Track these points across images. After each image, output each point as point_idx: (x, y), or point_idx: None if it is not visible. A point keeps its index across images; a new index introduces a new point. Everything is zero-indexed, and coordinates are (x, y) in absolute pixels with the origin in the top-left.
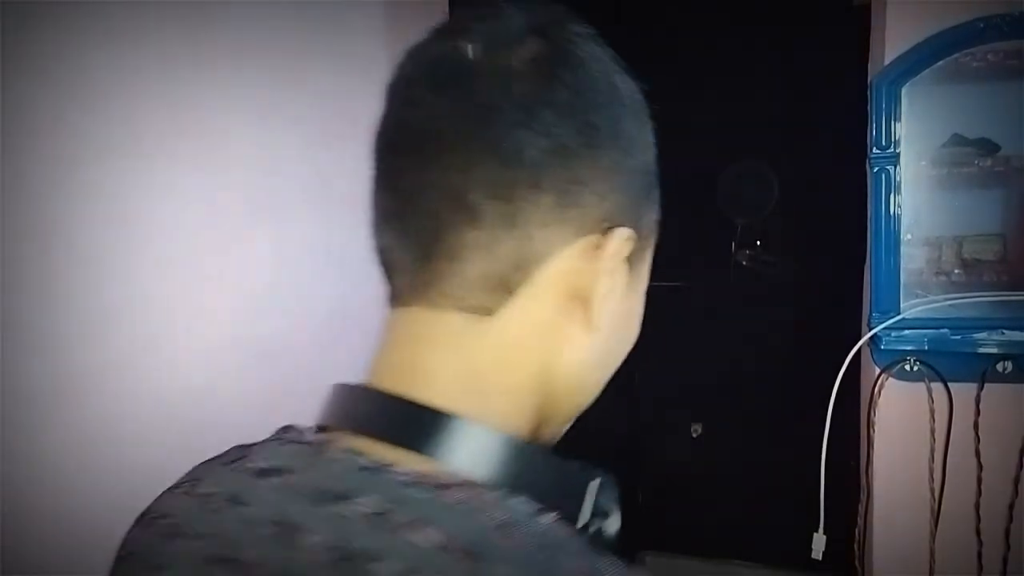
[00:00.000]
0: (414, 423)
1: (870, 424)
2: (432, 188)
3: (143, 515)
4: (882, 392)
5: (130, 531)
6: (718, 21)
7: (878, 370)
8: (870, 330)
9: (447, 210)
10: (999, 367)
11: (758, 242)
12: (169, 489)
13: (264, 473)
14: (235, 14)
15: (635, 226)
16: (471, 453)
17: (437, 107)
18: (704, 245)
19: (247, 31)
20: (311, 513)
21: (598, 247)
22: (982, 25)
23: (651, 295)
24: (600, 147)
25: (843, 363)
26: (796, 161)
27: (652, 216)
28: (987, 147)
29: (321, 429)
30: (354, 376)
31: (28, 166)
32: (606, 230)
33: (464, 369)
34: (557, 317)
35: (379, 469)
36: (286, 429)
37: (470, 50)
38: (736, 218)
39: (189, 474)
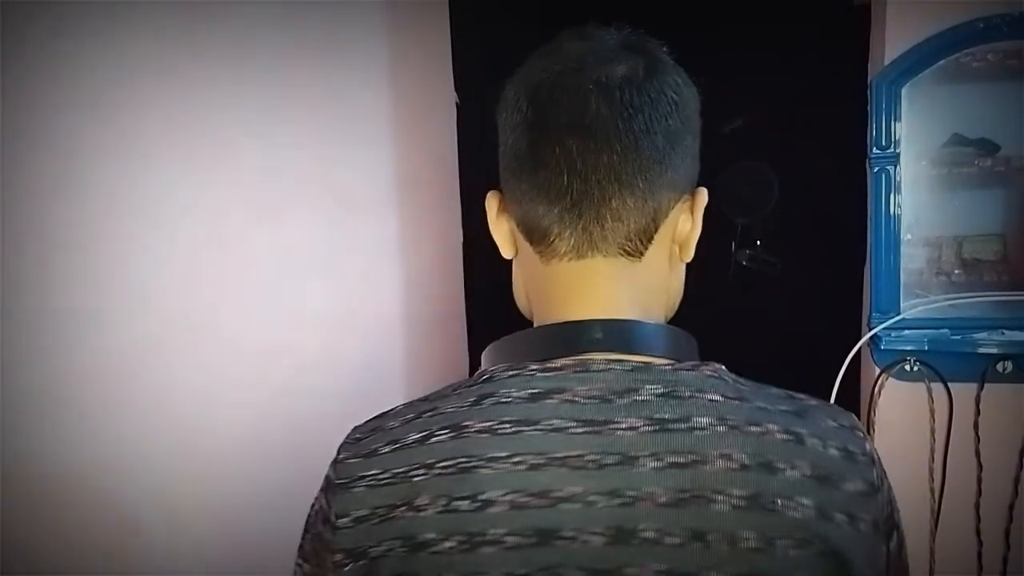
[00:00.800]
0: (629, 334)
1: (870, 424)
2: (600, 170)
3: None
4: (882, 392)
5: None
6: (718, 21)
7: (878, 370)
8: (870, 330)
9: (612, 185)
10: (999, 367)
11: (758, 242)
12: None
13: (537, 397)
14: (235, 14)
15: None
16: (661, 342)
17: (599, 113)
18: (704, 245)
19: (247, 31)
20: (615, 407)
21: (693, 202)
22: (982, 25)
23: None
24: (689, 134)
25: (843, 363)
26: (796, 161)
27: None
28: (987, 147)
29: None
30: (354, 375)
31: (28, 166)
32: (693, 192)
33: (633, 295)
34: (669, 255)
35: (643, 367)
36: (518, 372)
37: (610, 72)
38: (736, 218)
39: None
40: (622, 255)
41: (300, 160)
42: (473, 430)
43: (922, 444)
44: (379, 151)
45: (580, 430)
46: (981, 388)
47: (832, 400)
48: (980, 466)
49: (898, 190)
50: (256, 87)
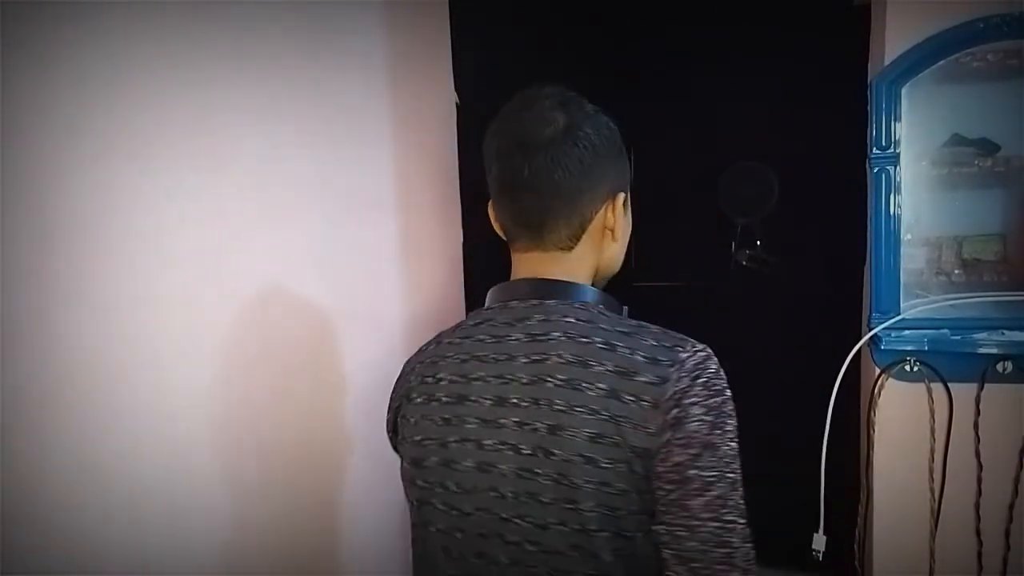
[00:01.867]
0: (541, 285)
1: (870, 424)
2: (536, 210)
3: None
4: (882, 392)
5: (402, 377)
6: (717, 21)
7: (878, 370)
8: (870, 330)
9: (547, 216)
10: (999, 367)
11: (758, 242)
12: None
13: (479, 323)
14: (235, 14)
15: (625, 189)
16: (565, 290)
17: (530, 173)
18: (704, 245)
19: (247, 31)
20: (512, 327)
21: (613, 203)
22: (982, 25)
23: (652, 295)
24: (605, 160)
25: (843, 363)
26: (796, 161)
27: (628, 180)
28: (987, 147)
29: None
30: (353, 375)
31: (28, 166)
32: (615, 194)
33: (560, 269)
34: (599, 240)
35: (539, 304)
36: (478, 312)
37: (537, 137)
38: (736, 218)
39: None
40: (557, 251)
41: (300, 160)
42: (444, 342)
43: (922, 444)
44: (379, 151)
45: (490, 340)
46: (981, 388)
47: (832, 400)
48: (980, 466)
49: (898, 190)
50: (256, 87)
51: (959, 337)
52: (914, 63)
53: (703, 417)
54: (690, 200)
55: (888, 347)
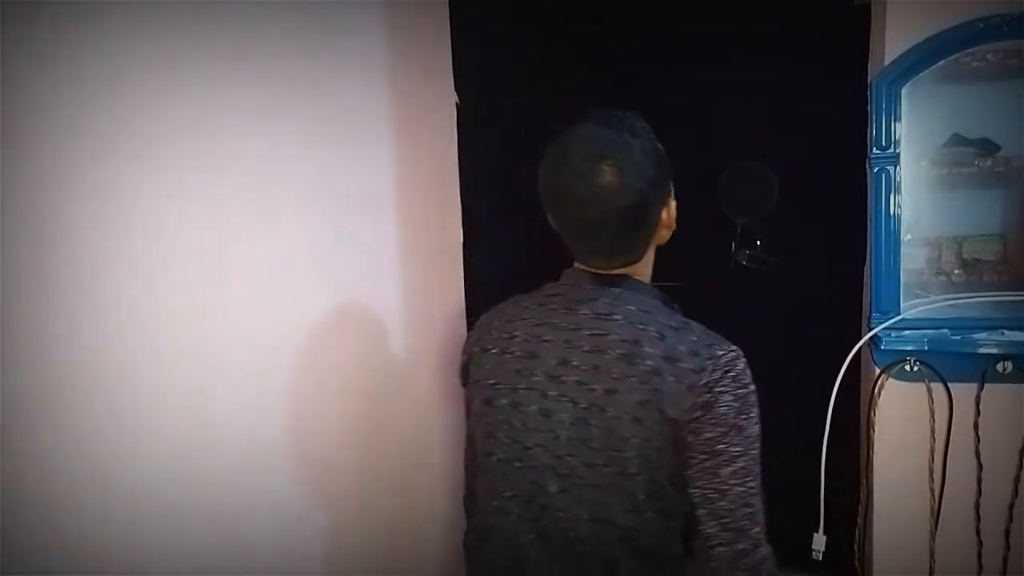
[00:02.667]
0: (620, 279)
1: (870, 424)
2: (605, 250)
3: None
4: (882, 392)
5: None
6: (717, 21)
7: (878, 370)
8: (870, 330)
9: (623, 249)
10: (999, 367)
11: (758, 242)
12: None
13: (552, 296)
14: (235, 14)
15: (671, 188)
16: (625, 281)
17: (598, 219)
18: (704, 245)
19: (247, 31)
20: (582, 303)
21: (667, 207)
22: (982, 25)
23: None
24: (660, 178)
25: (843, 363)
26: (796, 161)
27: (671, 176)
28: (987, 147)
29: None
30: (353, 375)
31: (28, 166)
32: (668, 197)
33: (630, 270)
34: (658, 235)
35: (605, 289)
36: (554, 285)
37: (599, 182)
38: (736, 218)
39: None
40: (623, 265)
41: (300, 160)
42: (521, 304)
43: (922, 444)
44: (379, 151)
45: (561, 311)
46: (981, 388)
47: (832, 400)
48: (980, 466)
49: (898, 190)
50: (256, 87)
51: (959, 337)
52: (914, 63)
53: (731, 403)
54: (690, 200)
55: (888, 347)
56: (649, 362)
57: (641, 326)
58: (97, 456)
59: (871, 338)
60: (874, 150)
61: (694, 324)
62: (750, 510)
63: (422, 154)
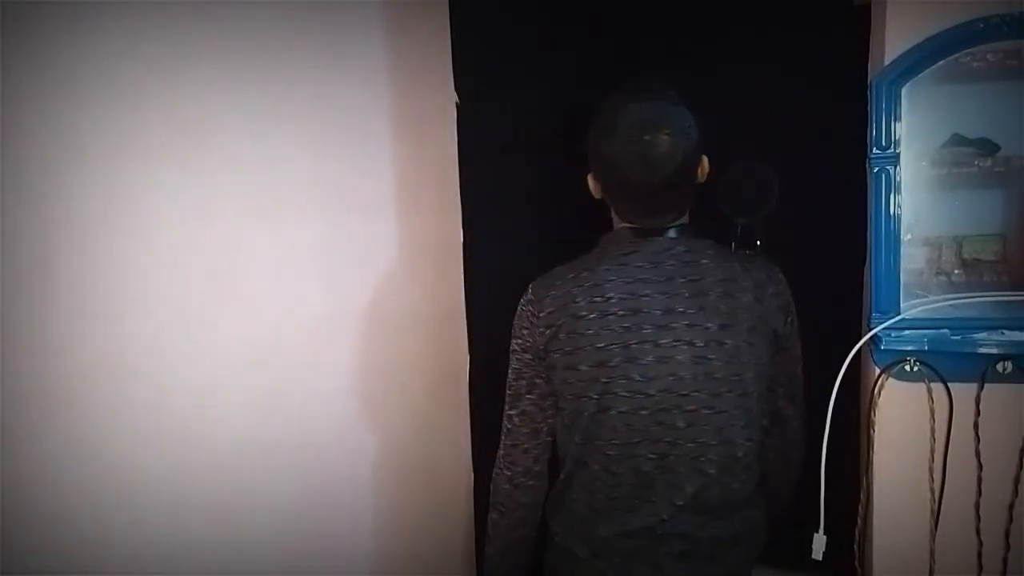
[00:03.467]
0: (684, 228)
1: (870, 424)
2: (659, 208)
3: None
4: (882, 392)
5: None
6: (717, 21)
7: (878, 370)
8: (870, 330)
9: (669, 210)
10: (999, 367)
11: (758, 242)
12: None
13: (628, 254)
14: (234, 14)
15: (703, 148)
16: (687, 229)
17: (650, 181)
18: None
19: (247, 31)
20: (664, 255)
21: (702, 160)
22: (982, 25)
23: None
24: (694, 144)
25: (843, 363)
26: (796, 161)
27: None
28: (987, 147)
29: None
30: (353, 375)
31: (28, 166)
32: (702, 154)
33: (683, 219)
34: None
35: (678, 238)
36: (617, 246)
37: (654, 152)
38: (736, 218)
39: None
40: (676, 215)
41: (300, 160)
42: (599, 270)
43: (922, 444)
44: (379, 151)
45: (648, 266)
46: (981, 388)
47: (832, 400)
48: (980, 466)
49: (898, 190)
50: (256, 87)
51: (959, 337)
52: (914, 63)
53: (793, 310)
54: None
55: (888, 347)
56: (749, 294)
57: (726, 264)
58: (97, 456)
59: (871, 338)
60: (874, 150)
61: (747, 253)
62: (800, 382)
63: (422, 154)
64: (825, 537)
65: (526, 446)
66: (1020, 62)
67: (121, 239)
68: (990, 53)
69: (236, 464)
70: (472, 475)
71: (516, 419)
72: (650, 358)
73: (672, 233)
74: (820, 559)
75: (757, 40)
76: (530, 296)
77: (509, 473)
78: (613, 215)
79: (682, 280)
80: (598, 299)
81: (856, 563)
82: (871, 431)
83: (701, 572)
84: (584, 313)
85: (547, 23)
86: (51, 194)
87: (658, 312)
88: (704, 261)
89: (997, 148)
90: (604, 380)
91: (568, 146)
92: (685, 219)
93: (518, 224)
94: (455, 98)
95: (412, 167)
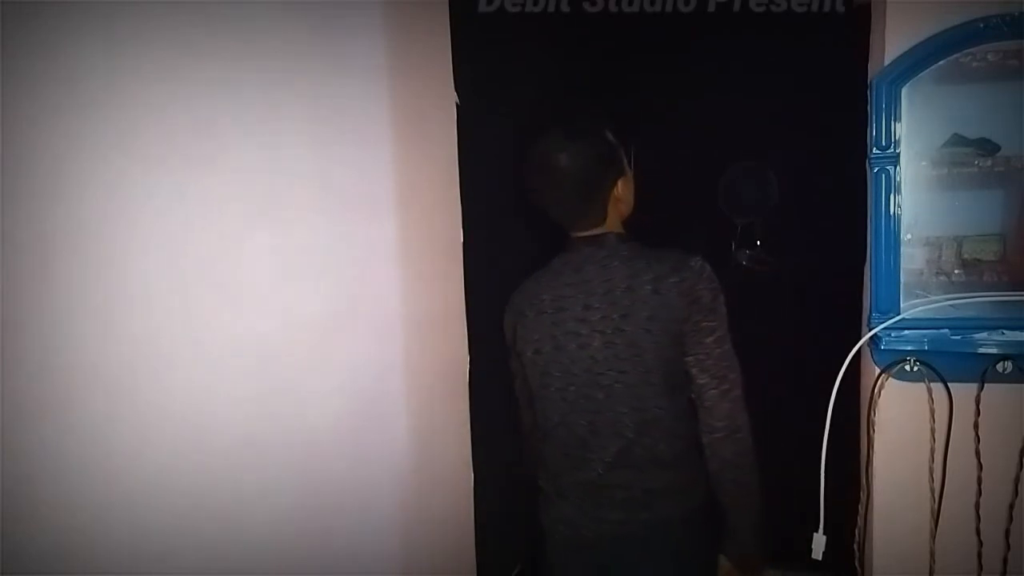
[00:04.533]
0: (603, 236)
1: (870, 424)
2: (569, 217)
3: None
4: (882, 392)
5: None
6: (717, 21)
7: (878, 370)
8: (870, 330)
9: (577, 218)
10: (999, 367)
11: (758, 242)
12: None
13: (563, 264)
14: (234, 14)
15: (623, 173)
16: (622, 239)
17: (557, 191)
18: (704, 245)
19: (247, 32)
20: (586, 261)
21: (622, 181)
22: (982, 25)
23: None
24: (602, 165)
25: (843, 363)
26: (796, 161)
27: (623, 165)
28: (987, 147)
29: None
30: (353, 375)
31: (28, 166)
32: (616, 180)
33: (605, 228)
34: (616, 205)
35: (600, 243)
36: (559, 258)
37: (556, 163)
38: (736, 218)
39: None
40: (593, 226)
41: (300, 160)
42: (541, 280)
43: (922, 444)
44: (379, 151)
45: (570, 271)
46: (981, 388)
47: (832, 400)
48: (980, 466)
49: (898, 190)
50: (256, 87)
51: (959, 337)
52: (914, 63)
53: (705, 294)
54: (690, 200)
55: (888, 347)
56: (647, 287)
57: (633, 262)
58: (97, 456)
59: (871, 338)
60: (874, 150)
61: (669, 250)
62: (726, 362)
63: (422, 154)
64: (825, 537)
65: (526, 409)
66: (1020, 62)
67: (121, 239)
68: (990, 53)
69: (236, 464)
70: (472, 475)
71: (516, 391)
72: (573, 345)
73: (592, 242)
74: (820, 559)
75: (756, 40)
76: (509, 304)
77: (520, 426)
78: None
79: (597, 281)
80: (536, 301)
81: (856, 563)
82: (871, 431)
83: (636, 516)
84: (528, 312)
85: (547, 23)
86: (51, 194)
87: (579, 307)
88: (615, 263)
89: (997, 148)
90: (542, 364)
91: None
92: (604, 228)
93: (518, 224)
94: (455, 98)
95: (412, 167)
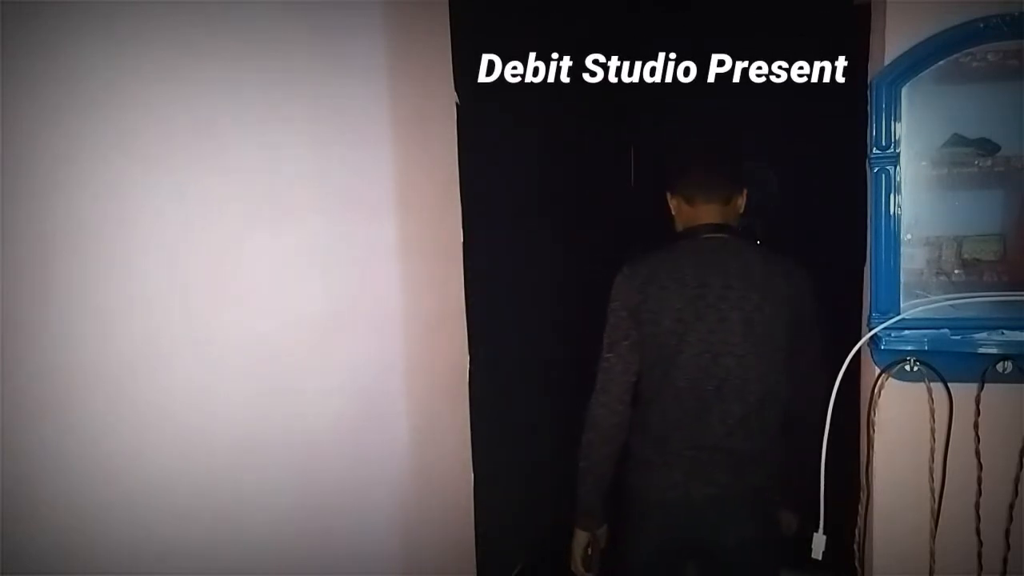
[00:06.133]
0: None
1: (870, 424)
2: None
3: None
4: (882, 392)
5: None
6: (717, 21)
7: (878, 370)
8: (870, 330)
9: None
10: (999, 367)
11: (758, 242)
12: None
13: (694, 250)
14: (234, 14)
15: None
16: (735, 232)
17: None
18: None
19: (247, 32)
20: (715, 250)
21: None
22: (982, 25)
23: None
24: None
25: (843, 363)
26: (796, 161)
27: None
28: (987, 147)
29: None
30: (353, 375)
31: (28, 166)
32: (741, 191)
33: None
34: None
35: (727, 240)
36: (687, 241)
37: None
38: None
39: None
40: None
41: (300, 160)
42: (678, 259)
43: (922, 444)
44: (379, 151)
45: (711, 253)
46: (981, 388)
47: (832, 400)
48: (980, 466)
49: (898, 190)
50: (256, 87)
51: (959, 337)
52: (914, 63)
53: (812, 295)
54: None
55: (888, 347)
56: (778, 277)
57: (760, 255)
58: (97, 456)
59: (871, 338)
60: (874, 150)
61: (772, 251)
62: (820, 356)
63: (422, 154)
64: (825, 537)
65: (619, 380)
66: (1020, 62)
67: (121, 239)
68: (990, 53)
69: (236, 464)
70: (472, 475)
71: (612, 359)
72: (714, 317)
73: (723, 233)
74: (820, 559)
75: (756, 40)
76: (625, 272)
77: (604, 399)
78: (678, 222)
79: (735, 266)
80: (677, 275)
81: (856, 563)
82: (871, 431)
83: (742, 479)
84: (668, 284)
85: (547, 24)
86: (51, 194)
87: (719, 287)
88: (748, 254)
89: (997, 148)
90: (681, 331)
91: (567, 146)
92: (733, 224)
93: (518, 224)
94: (455, 98)
95: (412, 167)
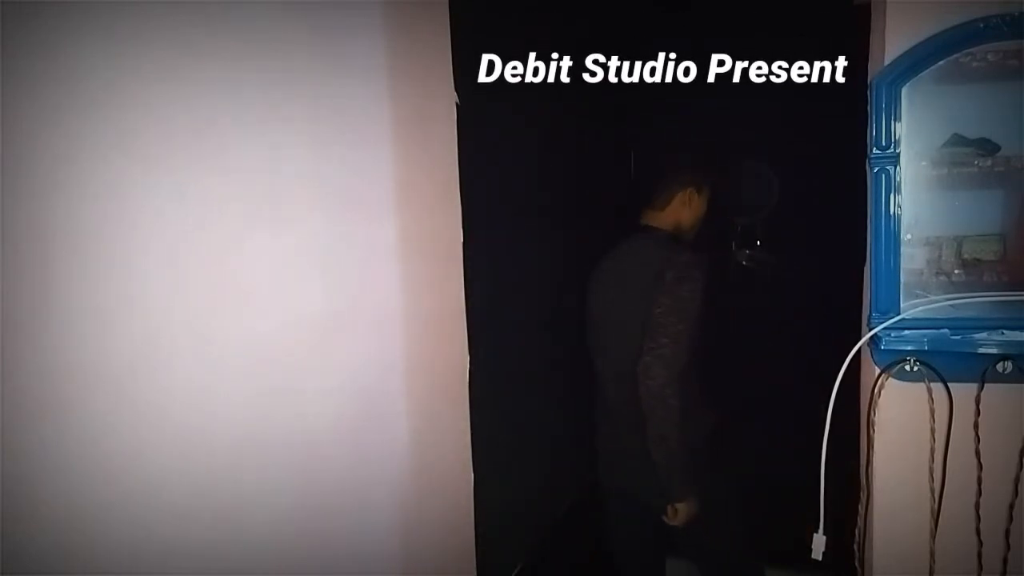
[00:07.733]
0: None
1: (870, 424)
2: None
3: None
4: (882, 392)
5: None
6: (717, 21)
7: (878, 370)
8: (870, 330)
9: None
10: (999, 367)
11: (758, 242)
12: None
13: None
14: (235, 14)
15: (700, 188)
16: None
17: None
18: (704, 245)
19: (247, 31)
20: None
21: (690, 197)
22: (982, 25)
23: None
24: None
25: (843, 363)
26: (796, 161)
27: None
28: (987, 147)
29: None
30: (353, 375)
31: (28, 166)
32: (693, 192)
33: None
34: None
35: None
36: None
37: None
38: (736, 218)
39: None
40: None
41: (300, 160)
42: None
43: (922, 444)
44: (379, 151)
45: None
46: (981, 388)
47: (832, 400)
48: (980, 466)
49: (898, 190)
50: (256, 87)
51: (959, 337)
52: (914, 63)
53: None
54: None
55: (888, 347)
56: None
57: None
58: (97, 456)
59: (871, 338)
60: (874, 150)
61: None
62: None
63: (422, 154)
64: (825, 537)
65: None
66: (1020, 62)
67: (121, 239)
68: (990, 53)
69: (236, 464)
70: (472, 475)
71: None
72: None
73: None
74: (820, 559)
75: (756, 40)
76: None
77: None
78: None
79: (629, 265)
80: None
81: (856, 563)
82: (871, 431)
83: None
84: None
85: (547, 24)
86: (51, 194)
87: (610, 287)
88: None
89: (997, 148)
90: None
91: (567, 146)
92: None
93: (518, 224)
94: (455, 98)
95: (412, 167)
